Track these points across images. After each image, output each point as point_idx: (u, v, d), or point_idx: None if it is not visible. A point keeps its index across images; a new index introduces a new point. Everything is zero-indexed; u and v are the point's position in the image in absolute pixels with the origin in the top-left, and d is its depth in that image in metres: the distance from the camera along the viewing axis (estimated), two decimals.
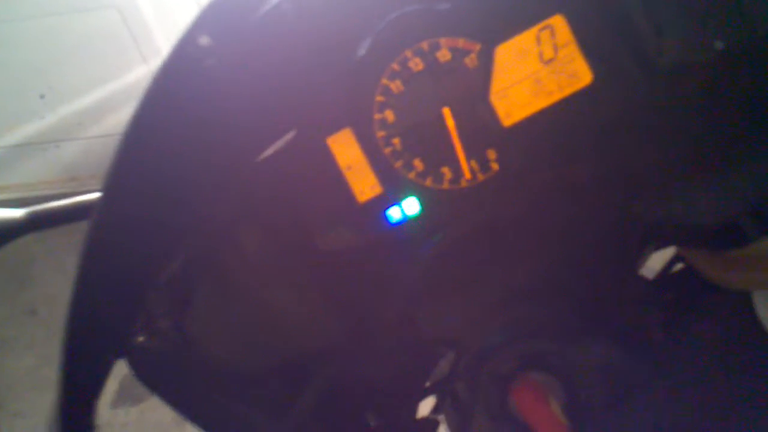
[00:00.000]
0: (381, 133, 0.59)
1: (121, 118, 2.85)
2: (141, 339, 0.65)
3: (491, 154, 0.59)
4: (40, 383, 2.81)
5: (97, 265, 0.56)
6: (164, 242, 0.62)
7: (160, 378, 0.68)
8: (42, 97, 2.82)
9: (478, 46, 0.57)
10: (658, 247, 0.68)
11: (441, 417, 0.94)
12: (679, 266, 0.77)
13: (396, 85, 0.58)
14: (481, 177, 0.60)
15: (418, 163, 0.60)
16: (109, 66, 2.66)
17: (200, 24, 0.52)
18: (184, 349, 0.67)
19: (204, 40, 0.53)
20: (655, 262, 0.75)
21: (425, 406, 0.89)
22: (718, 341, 0.67)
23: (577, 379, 0.60)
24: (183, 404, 0.70)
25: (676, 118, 0.59)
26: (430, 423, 0.87)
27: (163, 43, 2.58)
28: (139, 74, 2.66)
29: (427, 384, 0.91)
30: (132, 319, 0.64)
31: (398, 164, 0.60)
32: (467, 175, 0.60)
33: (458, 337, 0.68)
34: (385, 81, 0.58)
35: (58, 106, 2.86)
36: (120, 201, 0.55)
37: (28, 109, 2.88)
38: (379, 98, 0.59)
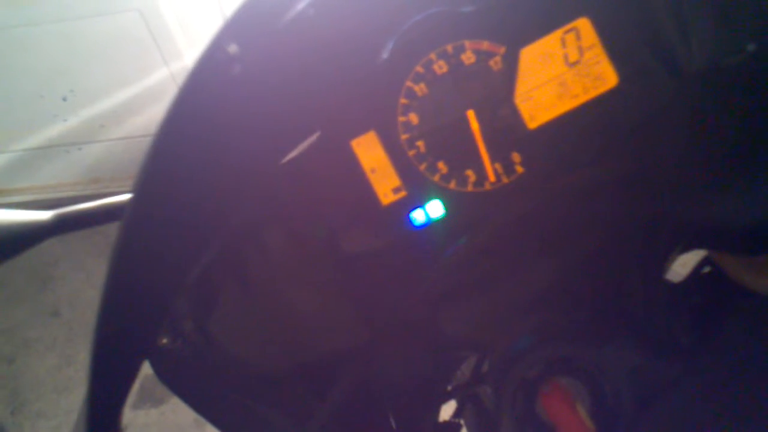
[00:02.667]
0: (405, 136, 0.59)
1: (142, 120, 2.87)
2: (164, 340, 0.65)
3: (516, 157, 0.59)
4: (62, 384, 2.84)
5: (128, 267, 0.56)
6: (191, 244, 0.63)
7: (182, 379, 0.68)
8: (64, 99, 2.84)
9: (502, 49, 0.57)
10: (684, 250, 0.67)
11: (462, 420, 0.93)
12: (707, 270, 0.76)
13: (420, 88, 0.58)
14: (505, 180, 0.59)
15: (442, 166, 0.60)
16: (131, 68, 2.68)
17: (228, 32, 0.52)
18: (207, 350, 0.67)
19: (233, 48, 0.53)
20: (680, 267, 0.74)
21: (446, 410, 0.89)
22: (748, 344, 0.66)
23: (605, 384, 0.59)
24: (204, 406, 0.70)
25: (705, 120, 0.58)
26: (452, 426, 0.87)
27: (185, 46, 2.59)
28: (160, 77, 2.67)
29: (449, 388, 0.91)
30: (159, 320, 0.64)
31: (422, 167, 0.60)
32: (491, 177, 0.60)
33: (482, 341, 0.68)
34: (409, 83, 0.58)
35: (81, 108, 2.88)
36: (150, 203, 0.55)
37: (50, 111, 2.90)
38: (404, 101, 0.58)
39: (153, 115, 2.79)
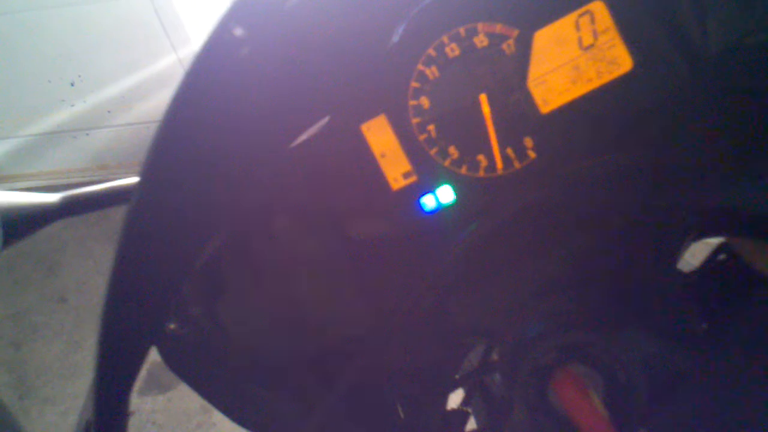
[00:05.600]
0: (416, 120, 0.59)
1: (150, 106, 2.87)
2: (172, 326, 0.65)
3: (528, 142, 0.58)
4: (69, 369, 2.85)
5: (136, 251, 0.56)
6: (199, 229, 0.62)
7: (189, 366, 0.68)
8: (72, 85, 2.84)
9: (516, 32, 0.56)
10: (698, 238, 0.66)
11: (470, 409, 0.93)
12: (722, 257, 0.75)
13: (432, 71, 0.58)
14: (517, 165, 0.59)
15: (453, 151, 0.59)
16: (139, 54, 2.68)
17: (234, 15, 0.51)
18: (214, 336, 0.66)
19: (239, 31, 0.52)
20: (692, 256, 0.73)
21: (454, 399, 0.88)
22: (765, 332, 0.65)
23: (619, 372, 0.59)
24: (212, 392, 0.70)
25: (723, 104, 0.57)
26: (460, 414, 0.87)
27: (193, 31, 2.59)
28: (168, 62, 2.67)
29: (457, 376, 0.91)
30: (167, 306, 0.64)
31: (433, 151, 0.59)
32: (499, 164, 0.59)
33: (493, 328, 0.67)
34: (420, 67, 0.57)
35: (88, 94, 2.89)
36: (157, 187, 0.54)
37: (58, 96, 2.91)
38: (415, 84, 0.58)
39: (161, 101, 2.79)
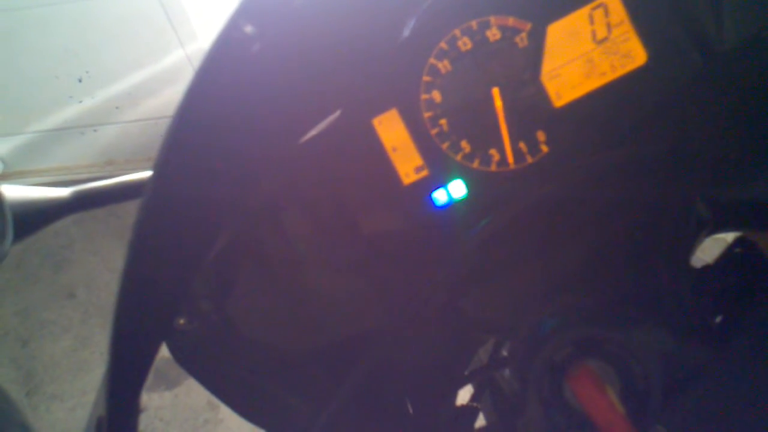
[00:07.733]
0: (428, 114, 0.58)
1: (158, 102, 2.87)
2: (182, 321, 0.65)
3: (541, 136, 0.58)
4: (77, 366, 2.86)
5: (148, 246, 0.56)
6: (210, 224, 0.62)
7: (198, 361, 0.68)
8: (80, 80, 2.84)
9: (529, 25, 0.56)
10: (712, 232, 0.66)
11: (479, 405, 0.93)
12: (738, 250, 0.75)
13: (444, 65, 0.57)
14: (530, 159, 0.58)
15: (465, 145, 0.59)
16: (147, 50, 2.67)
17: (244, 11, 0.51)
18: (224, 331, 0.66)
19: (249, 28, 0.52)
20: (704, 252, 0.73)
21: (463, 395, 0.88)
22: None
23: (635, 367, 0.58)
24: (221, 388, 0.70)
25: (737, 97, 0.57)
26: (469, 410, 0.86)
27: (200, 27, 2.58)
28: (176, 58, 2.67)
29: (466, 372, 0.91)
30: (177, 301, 0.64)
31: (445, 146, 0.59)
32: (510, 158, 0.59)
33: (505, 324, 0.67)
34: (432, 60, 0.57)
35: (96, 90, 2.88)
36: (170, 181, 0.54)
37: (65, 92, 2.90)
38: (427, 78, 0.58)
39: (168, 97, 2.79)
